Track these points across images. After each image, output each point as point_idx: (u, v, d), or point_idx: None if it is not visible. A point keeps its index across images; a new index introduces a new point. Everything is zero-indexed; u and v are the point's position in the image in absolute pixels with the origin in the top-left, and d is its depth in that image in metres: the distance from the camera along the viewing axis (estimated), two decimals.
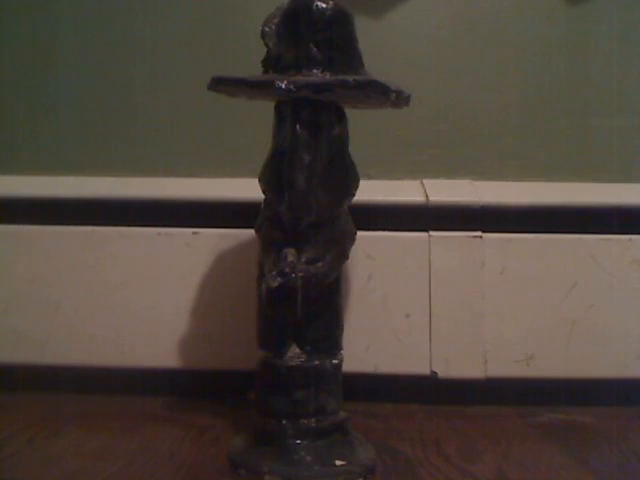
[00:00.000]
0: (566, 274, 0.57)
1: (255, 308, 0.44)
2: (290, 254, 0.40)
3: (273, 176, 0.42)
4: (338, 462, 0.40)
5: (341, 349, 0.44)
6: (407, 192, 0.58)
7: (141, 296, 0.57)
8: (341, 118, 0.42)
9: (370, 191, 0.57)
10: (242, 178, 0.58)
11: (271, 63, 0.41)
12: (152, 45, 0.62)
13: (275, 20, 0.41)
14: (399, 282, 0.56)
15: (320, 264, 0.41)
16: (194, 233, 0.57)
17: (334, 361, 0.42)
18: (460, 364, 0.55)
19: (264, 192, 0.43)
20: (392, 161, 0.61)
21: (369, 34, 0.60)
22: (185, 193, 0.58)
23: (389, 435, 0.48)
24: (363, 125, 0.60)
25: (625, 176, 0.60)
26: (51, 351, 0.57)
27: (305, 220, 0.41)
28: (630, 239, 0.57)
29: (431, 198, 0.57)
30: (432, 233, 0.57)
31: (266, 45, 0.41)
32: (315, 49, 0.40)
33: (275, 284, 0.39)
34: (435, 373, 0.55)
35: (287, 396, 0.41)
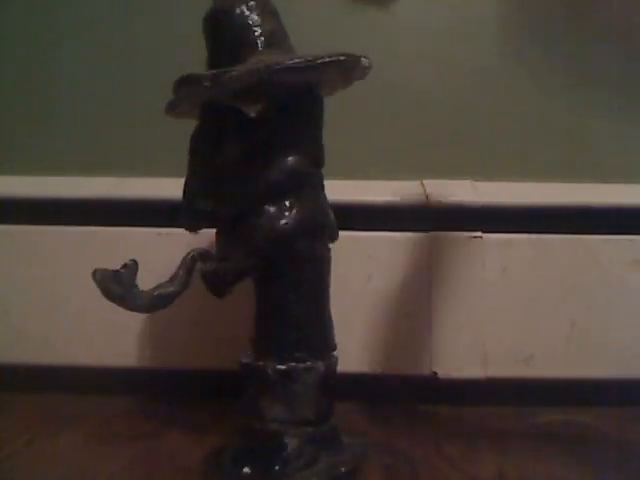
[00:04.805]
0: (566, 274, 0.57)
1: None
2: (191, 253, 0.41)
3: None
4: (246, 469, 0.39)
5: (293, 354, 0.40)
6: (407, 192, 0.58)
7: None
8: (246, 121, 0.41)
9: (370, 191, 0.57)
10: None
11: None
12: (153, 45, 0.62)
13: None
14: (399, 282, 0.56)
15: (226, 262, 0.41)
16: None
17: (279, 366, 0.40)
18: (460, 364, 0.55)
19: None
20: (392, 161, 0.61)
21: (371, 34, 0.61)
22: None
23: (389, 435, 0.48)
24: (363, 125, 0.60)
25: (625, 176, 0.60)
26: (51, 351, 0.57)
27: (186, 223, 0.43)
28: (630, 239, 0.57)
29: (431, 198, 0.57)
30: (432, 233, 0.57)
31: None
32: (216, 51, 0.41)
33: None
34: (435, 373, 0.55)
35: (240, 395, 0.41)
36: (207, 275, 0.41)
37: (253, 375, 0.40)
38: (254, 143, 0.40)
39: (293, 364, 0.40)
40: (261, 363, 0.40)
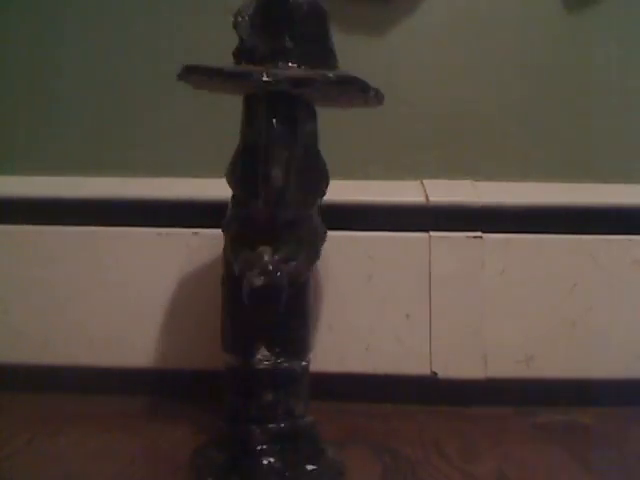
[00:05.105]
0: (566, 274, 0.57)
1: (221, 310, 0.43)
2: (266, 253, 0.38)
3: (246, 172, 0.40)
4: (309, 467, 0.39)
5: (310, 350, 0.42)
6: (407, 192, 0.58)
7: (141, 296, 0.57)
8: (312, 114, 0.41)
9: (370, 191, 0.57)
10: None
11: (244, 55, 0.40)
12: (152, 45, 0.62)
13: (249, 11, 0.39)
14: (399, 282, 0.56)
15: (294, 263, 0.39)
16: (194, 233, 0.57)
17: (303, 363, 0.41)
18: (460, 364, 0.55)
19: (233, 190, 0.41)
20: (392, 161, 0.61)
21: (370, 33, 0.61)
22: (185, 193, 0.58)
23: (389, 435, 0.48)
24: (363, 125, 0.60)
25: (625, 176, 0.60)
26: (51, 351, 0.56)
27: (281, 217, 0.39)
28: (630, 239, 0.57)
29: (431, 198, 0.57)
30: (432, 233, 0.57)
31: (239, 36, 0.40)
32: (291, 42, 0.38)
33: (259, 282, 0.36)
34: (435, 373, 0.55)
35: (256, 400, 0.40)
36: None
37: (278, 377, 0.40)
38: (307, 147, 0.40)
39: (308, 359, 0.42)
40: (287, 364, 0.40)
